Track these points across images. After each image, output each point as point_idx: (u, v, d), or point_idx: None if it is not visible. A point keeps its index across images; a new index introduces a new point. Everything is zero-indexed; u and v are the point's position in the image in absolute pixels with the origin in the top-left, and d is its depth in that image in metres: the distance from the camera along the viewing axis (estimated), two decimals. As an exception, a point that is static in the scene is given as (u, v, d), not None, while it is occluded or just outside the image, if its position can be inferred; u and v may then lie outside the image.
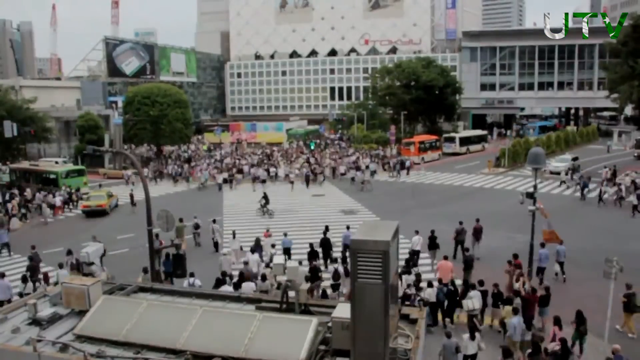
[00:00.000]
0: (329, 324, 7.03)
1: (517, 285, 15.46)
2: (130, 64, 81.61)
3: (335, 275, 17.65)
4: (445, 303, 15.85)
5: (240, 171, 47.34)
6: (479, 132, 66.40)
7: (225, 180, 42.54)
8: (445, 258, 18.41)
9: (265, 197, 31.93)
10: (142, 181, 17.15)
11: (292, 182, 41.08)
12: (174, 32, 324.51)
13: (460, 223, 22.48)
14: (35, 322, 7.80)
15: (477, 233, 22.28)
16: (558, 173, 40.15)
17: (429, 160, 52.70)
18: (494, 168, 46.26)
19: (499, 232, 24.87)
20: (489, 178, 42.96)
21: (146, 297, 8.73)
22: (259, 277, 17.54)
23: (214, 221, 25.52)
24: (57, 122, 56.70)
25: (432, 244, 21.13)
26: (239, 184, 43.04)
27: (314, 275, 17.30)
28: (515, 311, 13.85)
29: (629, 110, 70.30)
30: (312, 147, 62.15)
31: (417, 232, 20.95)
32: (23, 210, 33.94)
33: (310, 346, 6.62)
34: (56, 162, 47.12)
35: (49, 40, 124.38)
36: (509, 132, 77.55)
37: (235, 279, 16.99)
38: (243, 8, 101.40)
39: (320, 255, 20.86)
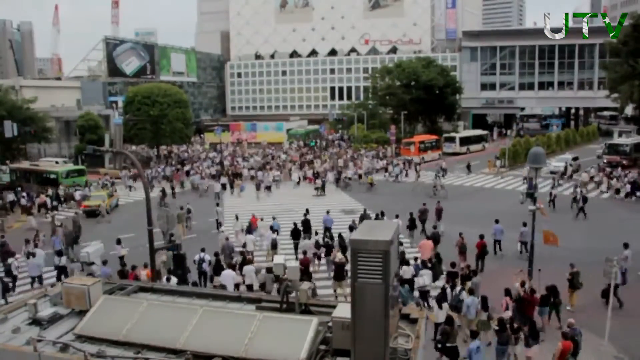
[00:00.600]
0: (330, 324, 7.03)
1: (516, 286, 15.46)
2: (130, 64, 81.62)
3: (317, 245, 21.33)
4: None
5: (239, 175, 44.13)
6: (479, 131, 66.44)
7: (224, 186, 39.35)
8: (428, 238, 21.22)
9: (163, 191, 35.63)
10: (142, 182, 17.16)
11: (317, 188, 38.10)
12: (174, 32, 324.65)
13: (424, 204, 26.87)
14: (35, 322, 7.80)
15: (439, 213, 26.54)
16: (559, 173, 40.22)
17: (428, 160, 52.71)
18: (494, 168, 46.28)
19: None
20: (489, 178, 42.99)
21: (146, 296, 8.72)
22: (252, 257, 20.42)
23: (217, 204, 30.03)
24: (57, 122, 56.68)
25: (412, 225, 24.61)
26: (242, 191, 39.31)
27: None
28: (470, 292, 14.95)
29: (629, 110, 70.25)
30: (313, 145, 62.22)
31: (397, 216, 23.87)
32: (55, 203, 35.23)
33: (311, 346, 6.62)
34: (56, 162, 47.13)
35: (51, 40, 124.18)
36: (509, 131, 77.64)
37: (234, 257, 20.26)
38: (243, 8, 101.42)
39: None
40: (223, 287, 17.62)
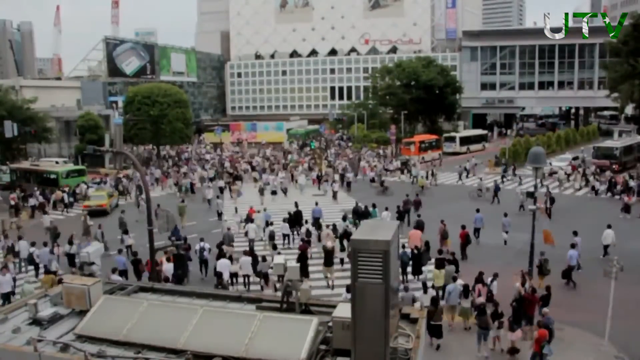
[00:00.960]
0: (330, 324, 7.03)
1: (517, 285, 15.47)
2: (130, 64, 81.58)
3: (307, 233, 23.00)
4: (411, 263, 19.54)
5: (238, 178, 41.18)
6: (479, 131, 66.44)
7: (221, 190, 36.48)
8: (415, 228, 22.85)
9: (139, 188, 35.47)
10: (142, 182, 17.18)
11: (335, 192, 35.38)
12: (174, 32, 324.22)
13: (407, 195, 30.23)
14: (36, 322, 7.81)
15: (417, 204, 29.55)
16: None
17: (429, 160, 52.66)
18: (494, 167, 46.26)
19: (498, 231, 24.86)
20: (490, 177, 42.94)
21: (147, 296, 8.74)
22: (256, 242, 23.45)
23: (217, 197, 32.75)
24: (58, 122, 56.65)
25: (400, 217, 26.87)
26: (239, 197, 35.54)
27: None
28: (454, 279, 16.26)
29: (629, 109, 70.25)
30: (313, 146, 62.10)
31: (386, 209, 26.52)
32: (71, 199, 36.12)
33: (311, 346, 6.62)
34: (56, 162, 47.12)
35: (52, 41, 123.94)
36: (509, 131, 77.59)
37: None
38: (243, 8, 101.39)
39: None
40: (221, 274, 18.66)
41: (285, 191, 36.75)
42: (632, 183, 34.77)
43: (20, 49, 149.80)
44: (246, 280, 19.40)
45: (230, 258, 19.65)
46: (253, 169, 46.98)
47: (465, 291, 15.66)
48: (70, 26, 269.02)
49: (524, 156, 41.78)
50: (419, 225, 23.25)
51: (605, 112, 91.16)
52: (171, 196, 38.24)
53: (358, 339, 6.07)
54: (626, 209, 29.29)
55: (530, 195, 19.01)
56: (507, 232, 23.85)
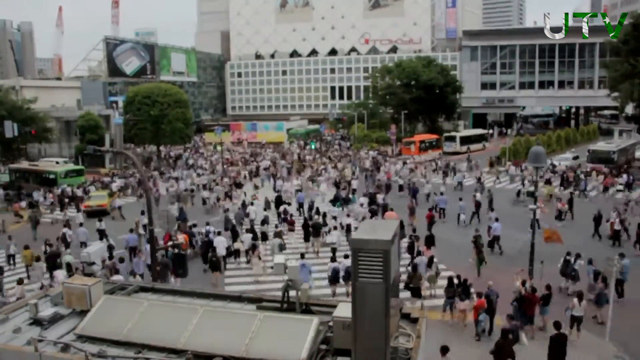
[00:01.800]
0: (330, 324, 7.03)
1: (517, 285, 15.47)
2: (130, 64, 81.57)
3: (285, 211, 27.47)
4: None
5: (238, 185, 37.90)
6: (479, 131, 66.38)
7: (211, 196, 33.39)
8: (391, 210, 25.77)
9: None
10: (142, 181, 17.16)
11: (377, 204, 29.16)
12: (174, 32, 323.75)
13: (379, 180, 35.59)
14: (36, 322, 7.81)
15: (387, 188, 33.48)
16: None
17: (429, 160, 52.58)
18: (493, 168, 46.17)
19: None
20: (490, 177, 42.91)
21: (147, 296, 8.74)
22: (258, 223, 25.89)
23: (217, 184, 36.69)
24: (58, 122, 56.67)
25: (371, 202, 29.80)
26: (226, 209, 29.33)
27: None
28: (419, 253, 19.50)
29: (629, 108, 70.18)
30: (314, 147, 62.03)
31: (364, 195, 31.03)
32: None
33: (312, 345, 6.62)
34: (57, 162, 47.14)
35: (54, 41, 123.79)
36: (509, 130, 77.55)
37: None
38: (243, 8, 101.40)
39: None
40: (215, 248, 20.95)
41: (311, 206, 29.09)
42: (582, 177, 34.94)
43: (20, 49, 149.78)
44: (249, 254, 21.68)
45: (236, 235, 23.26)
46: (257, 174, 43.38)
47: (430, 262, 18.51)
48: (70, 26, 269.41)
49: (524, 155, 41.72)
50: (384, 206, 27.43)
51: (606, 112, 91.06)
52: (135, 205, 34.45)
53: (358, 339, 6.07)
54: (559, 215, 26.67)
55: (531, 194, 19.05)
56: (463, 214, 27.30)
